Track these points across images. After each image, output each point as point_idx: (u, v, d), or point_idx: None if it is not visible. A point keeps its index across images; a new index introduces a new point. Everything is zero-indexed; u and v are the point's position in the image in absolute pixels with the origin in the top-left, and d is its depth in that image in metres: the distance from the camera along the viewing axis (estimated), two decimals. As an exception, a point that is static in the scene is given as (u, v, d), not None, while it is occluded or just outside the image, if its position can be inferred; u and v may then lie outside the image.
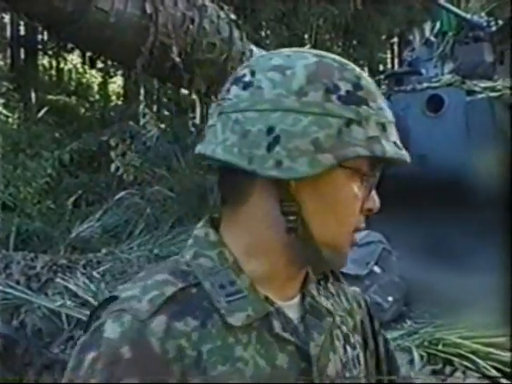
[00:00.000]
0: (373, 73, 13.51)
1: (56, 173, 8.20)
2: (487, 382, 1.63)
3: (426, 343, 2.56)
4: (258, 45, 4.25)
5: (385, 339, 1.25)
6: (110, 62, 13.06)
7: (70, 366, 0.89)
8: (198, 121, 10.72)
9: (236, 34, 3.45)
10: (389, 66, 15.56)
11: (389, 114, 0.97)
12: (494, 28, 4.85)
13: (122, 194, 6.67)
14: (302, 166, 0.92)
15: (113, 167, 7.18)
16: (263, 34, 13.07)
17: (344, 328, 1.11)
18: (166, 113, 13.51)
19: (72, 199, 7.78)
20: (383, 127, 0.95)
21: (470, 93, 3.41)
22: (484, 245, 2.57)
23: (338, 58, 0.99)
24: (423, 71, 5.07)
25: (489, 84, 3.68)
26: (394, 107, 3.28)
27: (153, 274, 0.97)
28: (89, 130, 10.73)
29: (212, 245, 1.01)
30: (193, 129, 10.13)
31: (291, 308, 1.02)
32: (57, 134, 10.76)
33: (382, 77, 7.70)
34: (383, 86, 4.62)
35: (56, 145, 9.40)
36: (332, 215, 0.97)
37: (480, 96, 3.40)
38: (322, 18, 12.51)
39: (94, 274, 4.39)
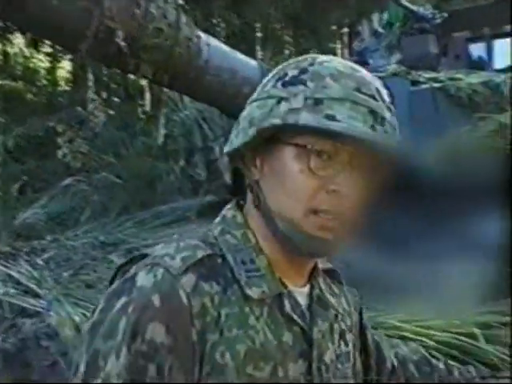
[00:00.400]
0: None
1: (1, 159, 8.00)
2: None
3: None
4: (208, 32, 4.22)
5: (372, 333, 1.32)
6: (57, 47, 12.79)
7: (98, 308, 0.96)
8: (147, 107, 10.60)
9: (183, 19, 3.41)
10: (338, 55, 15.66)
11: (337, 93, 1.01)
12: (438, 20, 4.95)
13: (68, 180, 6.55)
14: (237, 139, 1.07)
15: (60, 153, 7.05)
16: (214, 21, 12.96)
17: (342, 324, 1.18)
18: (115, 99, 13.30)
19: (17, 186, 7.61)
20: (316, 101, 1.00)
21: (415, 83, 3.48)
22: (431, 232, 2.61)
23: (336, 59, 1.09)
24: (371, 61, 5.14)
25: (433, 75, 3.75)
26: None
27: (185, 239, 1.06)
28: (35, 115, 10.49)
29: (238, 225, 1.09)
30: (142, 115, 10.02)
31: (301, 294, 1.10)
32: (2, 119, 10.47)
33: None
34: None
35: (1, 130, 9.16)
36: (281, 188, 1.03)
37: (424, 86, 3.46)
38: (273, 7, 12.49)
39: (38, 261, 4.31)
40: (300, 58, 1.08)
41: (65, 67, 16.05)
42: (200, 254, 1.01)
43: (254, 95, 1.10)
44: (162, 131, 6.20)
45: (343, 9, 13.20)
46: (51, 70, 16.08)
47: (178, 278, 0.96)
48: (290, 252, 1.08)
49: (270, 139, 1.04)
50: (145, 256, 1.00)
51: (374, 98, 1.02)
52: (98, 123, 7.53)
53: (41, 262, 4.29)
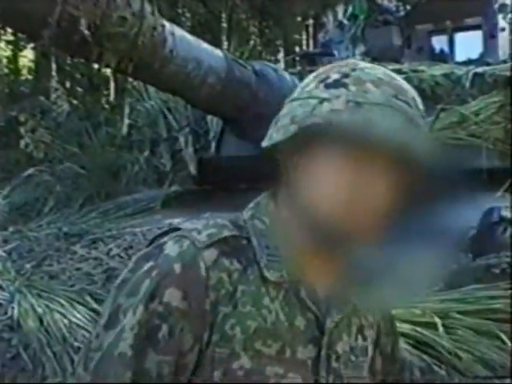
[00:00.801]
0: (288, 53, 13.59)
1: None
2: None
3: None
4: (173, 21, 4.18)
5: (394, 340, 1.36)
6: (20, 35, 12.55)
7: (128, 268, 1.06)
8: (111, 97, 10.48)
9: (148, 8, 3.37)
10: (304, 47, 15.67)
11: (377, 98, 1.06)
12: (402, 13, 4.99)
13: (31, 170, 6.45)
14: (277, 135, 1.11)
15: (22, 143, 6.93)
16: (179, 11, 12.85)
17: (362, 320, 1.23)
18: (79, 89, 13.11)
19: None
20: (357, 104, 1.05)
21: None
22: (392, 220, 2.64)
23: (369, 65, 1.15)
24: (335, 53, 5.16)
25: (396, 66, 3.78)
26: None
27: (215, 218, 1.13)
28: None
29: (269, 213, 1.15)
30: (106, 105, 9.89)
31: (321, 285, 1.14)
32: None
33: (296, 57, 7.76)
34: (298, 66, 4.65)
35: None
36: (314, 184, 1.10)
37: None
38: (239, -3, 12.44)
39: (0, 252, 4.23)
40: (341, 63, 1.14)
41: (27, 56, 15.76)
42: (226, 232, 1.09)
43: (294, 94, 1.15)
44: (127, 121, 6.14)
45: (308, 0, 13.21)
46: (13, 59, 15.78)
47: (200, 251, 1.04)
48: (317, 245, 1.12)
49: (309, 138, 1.08)
50: (178, 229, 1.08)
51: (410, 106, 1.08)
52: (62, 113, 7.43)
53: (3, 254, 4.22)
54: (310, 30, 15.59)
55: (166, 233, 1.09)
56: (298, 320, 1.10)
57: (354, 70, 1.11)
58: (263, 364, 1.06)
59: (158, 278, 1.02)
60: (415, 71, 3.60)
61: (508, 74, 4.00)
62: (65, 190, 5.96)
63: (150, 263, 1.04)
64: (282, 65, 10.61)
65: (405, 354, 1.51)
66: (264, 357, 1.06)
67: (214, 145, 4.56)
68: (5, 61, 15.82)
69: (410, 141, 1.07)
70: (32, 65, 15.52)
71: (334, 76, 1.10)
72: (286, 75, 3.26)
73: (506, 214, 3.29)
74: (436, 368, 1.56)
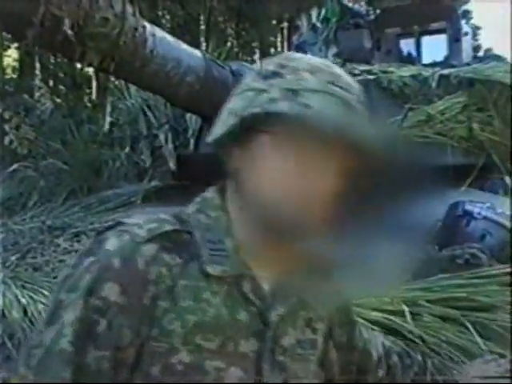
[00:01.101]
0: (264, 54, 13.57)
1: None
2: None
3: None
4: (153, 23, 4.15)
5: (350, 329, 1.33)
6: (4, 34, 12.37)
7: (71, 264, 1.03)
8: (93, 95, 10.38)
9: (129, 9, 3.33)
10: (279, 48, 15.67)
11: (312, 85, 1.02)
12: (372, 16, 5.02)
13: (15, 166, 6.36)
14: (219, 129, 1.09)
15: (6, 140, 6.84)
16: (159, 13, 12.77)
17: (311, 313, 1.17)
18: (62, 87, 12.97)
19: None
20: (293, 92, 1.01)
21: (350, 75, 3.50)
22: (362, 211, 2.66)
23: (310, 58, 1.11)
24: (309, 53, 5.18)
25: (366, 68, 3.79)
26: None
27: (158, 212, 1.10)
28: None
29: (214, 207, 1.10)
30: (88, 103, 9.80)
31: (267, 280, 1.09)
32: None
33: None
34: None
35: None
36: (259, 175, 1.05)
37: (358, 78, 3.49)
38: (217, 0, 12.41)
39: (-15, 245, 4.17)
40: (278, 55, 1.12)
41: (11, 55, 15.53)
42: (167, 227, 1.05)
43: (236, 89, 1.11)
44: (108, 119, 6.09)
45: (282, 3, 13.21)
46: (-3, 58, 15.54)
47: (140, 246, 1.00)
48: (265, 237, 1.07)
49: (250, 129, 1.05)
50: (122, 223, 1.05)
51: (346, 91, 1.05)
52: (45, 111, 7.34)
53: (-12, 246, 4.17)
54: (285, 32, 15.60)
55: (110, 227, 1.05)
56: (241, 314, 1.05)
57: (289, 60, 1.08)
58: (203, 358, 1.00)
59: (97, 272, 0.98)
60: (385, 72, 3.61)
61: (471, 75, 4.04)
62: (48, 185, 5.89)
63: (91, 258, 1.00)
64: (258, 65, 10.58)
65: (383, 341, 1.49)
66: (204, 351, 1.01)
67: (192, 142, 4.54)
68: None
69: (348, 125, 1.03)
70: (16, 64, 15.30)
71: (271, 67, 1.07)
72: (262, 75, 3.27)
73: (469, 208, 3.32)
74: (412, 353, 1.56)
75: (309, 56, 1.13)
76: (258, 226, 1.07)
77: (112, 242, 1.01)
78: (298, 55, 1.12)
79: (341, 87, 1.04)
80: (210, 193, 1.13)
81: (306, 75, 1.04)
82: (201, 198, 1.13)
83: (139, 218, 1.07)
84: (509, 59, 4.72)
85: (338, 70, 1.09)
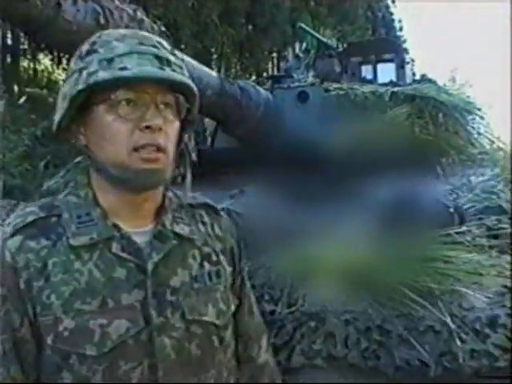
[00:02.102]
0: (259, 76, 13.62)
1: (32, 143, 7.84)
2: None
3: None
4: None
5: (249, 303, 1.16)
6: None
7: None
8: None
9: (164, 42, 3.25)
10: (270, 72, 15.55)
11: (123, 50, 0.90)
12: (340, 49, 5.01)
13: None
14: (57, 116, 0.95)
15: None
16: (183, 46, 12.69)
17: (206, 249, 1.02)
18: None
19: (43, 163, 7.38)
20: (108, 61, 0.89)
21: (326, 90, 3.49)
22: (334, 194, 2.58)
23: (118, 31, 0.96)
24: (294, 75, 5.14)
25: (337, 85, 3.75)
26: (275, 100, 3.16)
27: (26, 208, 0.97)
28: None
29: (82, 186, 0.97)
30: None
31: (141, 234, 0.96)
32: (32, 116, 10.17)
33: (265, 80, 7.69)
34: (267, 86, 4.62)
35: (31, 123, 8.98)
36: (103, 141, 0.92)
37: (332, 93, 3.48)
38: (225, 36, 12.35)
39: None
40: (91, 37, 0.95)
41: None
42: (30, 218, 0.93)
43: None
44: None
45: (273, 39, 13.16)
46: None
47: (5, 242, 0.91)
48: (125, 195, 0.94)
49: (85, 107, 0.92)
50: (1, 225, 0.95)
51: (157, 47, 0.91)
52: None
53: None
54: (275, 60, 15.49)
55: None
56: (118, 272, 0.92)
57: (99, 36, 0.94)
58: (86, 320, 0.88)
59: None
60: (351, 89, 3.58)
61: (413, 93, 4.00)
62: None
63: None
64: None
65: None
66: (86, 314, 0.89)
67: (209, 140, 4.49)
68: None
69: (162, 73, 0.89)
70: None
71: (85, 47, 0.94)
72: (261, 89, 3.23)
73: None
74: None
75: (117, 29, 0.98)
76: (113, 188, 0.95)
77: None
78: (107, 31, 0.97)
79: (150, 45, 0.92)
80: (79, 176, 0.99)
81: (116, 43, 0.91)
82: (73, 183, 0.99)
83: (14, 216, 0.95)
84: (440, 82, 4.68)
85: (144, 33, 0.95)
